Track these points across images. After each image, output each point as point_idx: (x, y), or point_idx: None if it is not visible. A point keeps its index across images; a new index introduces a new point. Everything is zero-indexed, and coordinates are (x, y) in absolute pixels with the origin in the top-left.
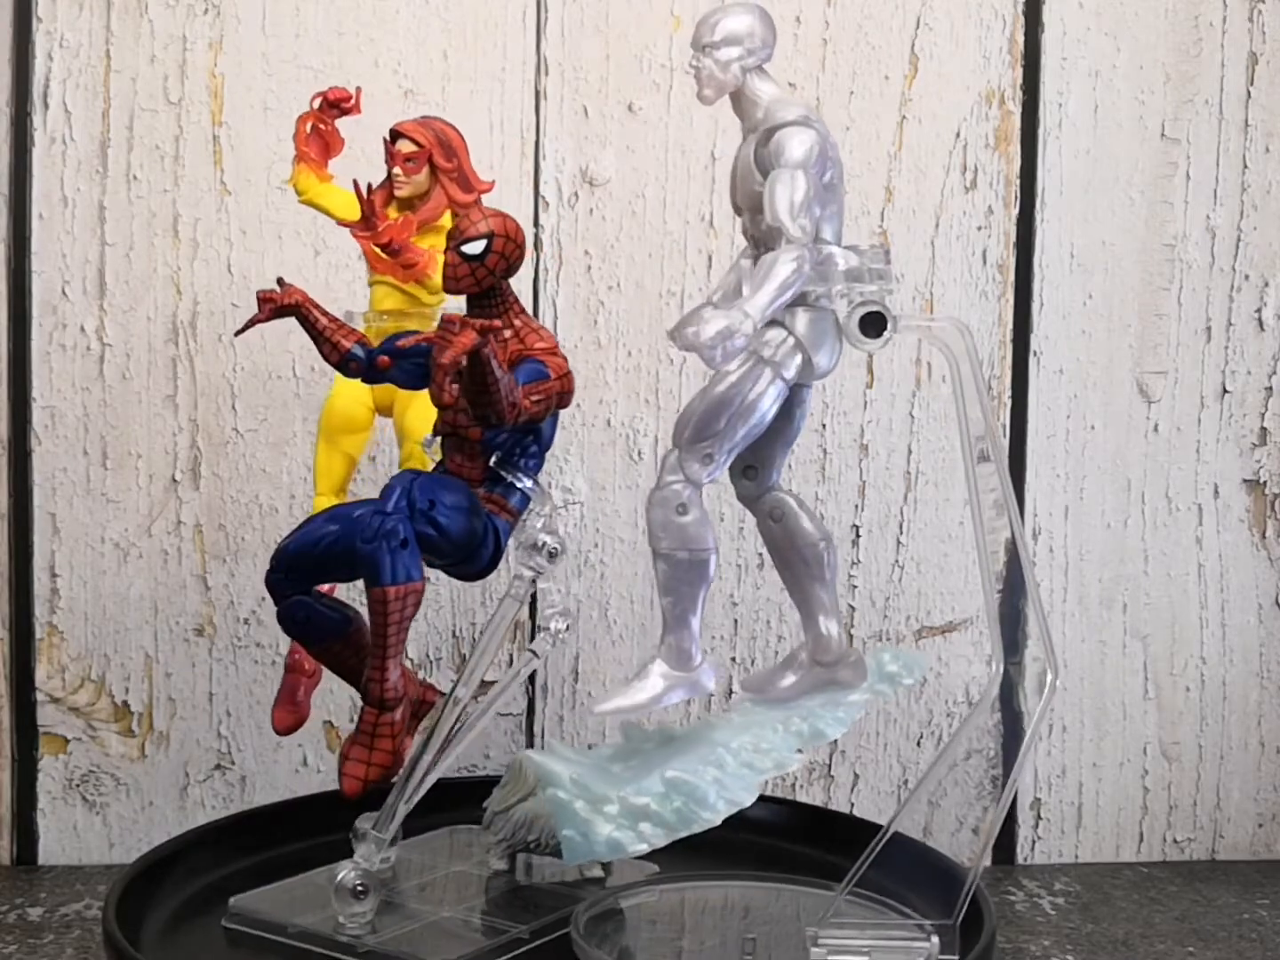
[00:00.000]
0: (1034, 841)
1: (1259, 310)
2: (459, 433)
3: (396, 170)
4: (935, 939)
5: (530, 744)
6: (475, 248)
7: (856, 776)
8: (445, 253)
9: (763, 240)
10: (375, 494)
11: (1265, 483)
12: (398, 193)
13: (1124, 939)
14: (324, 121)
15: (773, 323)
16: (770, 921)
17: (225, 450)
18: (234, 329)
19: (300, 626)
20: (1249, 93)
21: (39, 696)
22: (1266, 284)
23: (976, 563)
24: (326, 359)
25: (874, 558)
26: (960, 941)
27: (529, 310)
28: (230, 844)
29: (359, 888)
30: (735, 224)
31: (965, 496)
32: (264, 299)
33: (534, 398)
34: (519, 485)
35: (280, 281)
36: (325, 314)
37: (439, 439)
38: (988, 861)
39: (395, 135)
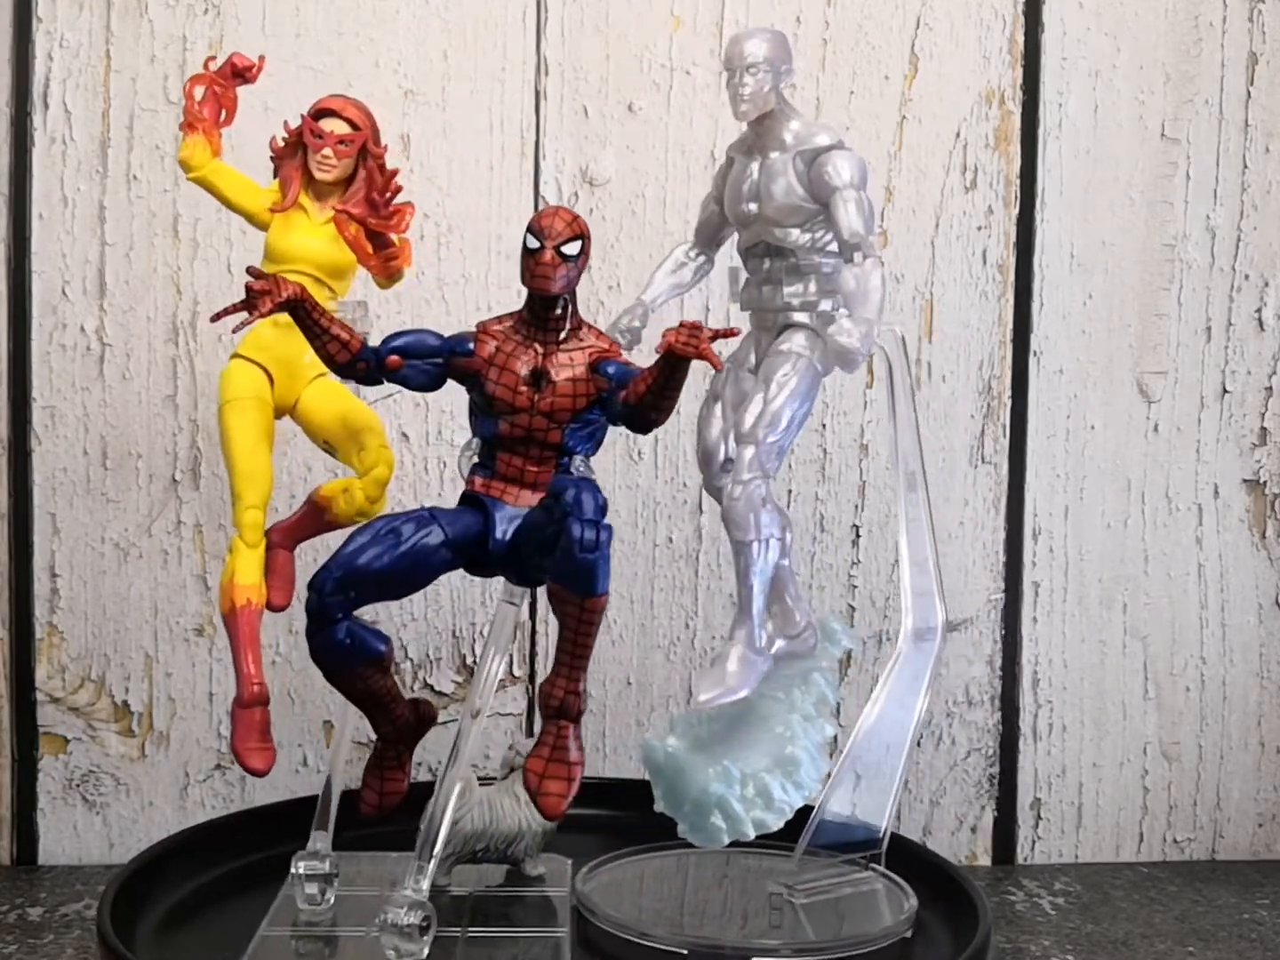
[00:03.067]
0: (1034, 841)
1: (1259, 310)
2: (534, 435)
3: (327, 151)
4: (873, 868)
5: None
6: (573, 248)
7: (857, 776)
8: (541, 253)
9: (790, 252)
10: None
11: (1265, 483)
12: (322, 176)
13: (1124, 939)
14: (222, 86)
15: (801, 325)
16: (773, 879)
17: None
18: (235, 330)
19: (341, 652)
20: (1249, 93)
21: (39, 696)
22: (1266, 284)
23: (976, 562)
24: (331, 358)
25: (874, 558)
26: (955, 939)
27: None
28: (228, 844)
29: (425, 923)
30: None
31: (965, 496)
32: (261, 291)
33: None
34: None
35: (256, 273)
36: (323, 310)
37: (479, 442)
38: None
39: (322, 113)
